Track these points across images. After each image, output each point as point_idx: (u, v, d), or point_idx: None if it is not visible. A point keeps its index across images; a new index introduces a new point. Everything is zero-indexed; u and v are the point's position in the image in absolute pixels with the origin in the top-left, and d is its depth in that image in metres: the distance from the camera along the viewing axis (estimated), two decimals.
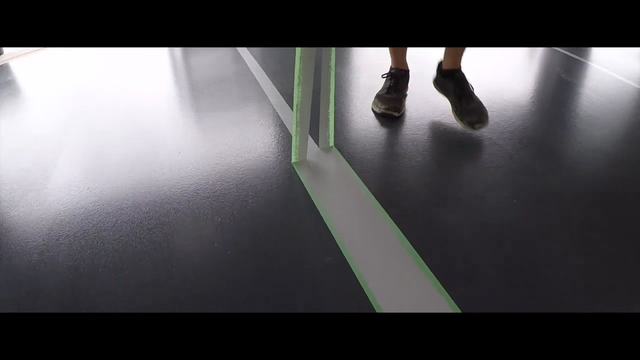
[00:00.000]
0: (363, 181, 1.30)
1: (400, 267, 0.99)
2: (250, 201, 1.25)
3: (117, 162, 1.51)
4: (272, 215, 1.19)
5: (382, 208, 1.19)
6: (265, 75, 2.19)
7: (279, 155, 1.47)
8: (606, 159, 1.37)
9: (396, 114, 1.67)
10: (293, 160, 1.42)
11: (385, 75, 1.80)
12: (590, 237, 1.06)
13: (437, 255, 1.02)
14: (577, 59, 2.20)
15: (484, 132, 1.53)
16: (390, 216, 1.15)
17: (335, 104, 1.50)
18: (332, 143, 1.51)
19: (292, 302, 0.92)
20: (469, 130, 1.53)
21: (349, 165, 1.38)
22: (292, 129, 1.38)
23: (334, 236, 1.10)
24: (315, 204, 1.22)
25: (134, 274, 1.03)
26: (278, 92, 1.98)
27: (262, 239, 1.10)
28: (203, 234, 1.14)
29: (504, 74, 2.11)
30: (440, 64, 1.71)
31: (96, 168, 1.48)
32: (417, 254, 1.02)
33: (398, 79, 1.75)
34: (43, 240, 1.16)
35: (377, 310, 0.89)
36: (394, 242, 1.07)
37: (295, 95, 1.30)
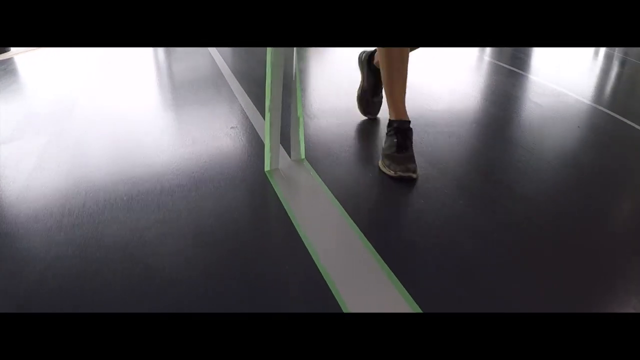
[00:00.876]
0: (333, 193, 1.38)
1: (367, 271, 1.07)
2: (224, 206, 1.30)
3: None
4: (247, 219, 1.24)
5: (354, 223, 1.24)
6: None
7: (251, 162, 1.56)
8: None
9: (415, 176, 1.49)
10: (266, 168, 1.48)
11: (389, 131, 1.59)
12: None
13: (400, 260, 1.10)
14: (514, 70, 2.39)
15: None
16: (361, 231, 1.22)
17: (303, 118, 1.59)
18: (303, 156, 1.57)
19: (261, 302, 0.98)
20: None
21: (319, 178, 1.46)
22: (266, 141, 1.45)
23: (306, 245, 1.15)
24: (285, 207, 1.29)
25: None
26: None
27: (236, 243, 1.16)
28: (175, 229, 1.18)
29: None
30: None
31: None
32: (382, 260, 1.10)
33: (404, 133, 1.56)
34: None
35: (344, 310, 0.95)
36: (365, 253, 1.14)
37: (267, 107, 1.38)
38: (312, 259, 1.09)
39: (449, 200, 1.37)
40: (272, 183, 1.40)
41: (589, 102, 2.26)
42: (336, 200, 1.34)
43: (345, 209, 1.29)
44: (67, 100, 2.15)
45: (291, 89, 1.47)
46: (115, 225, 1.20)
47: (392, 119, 1.58)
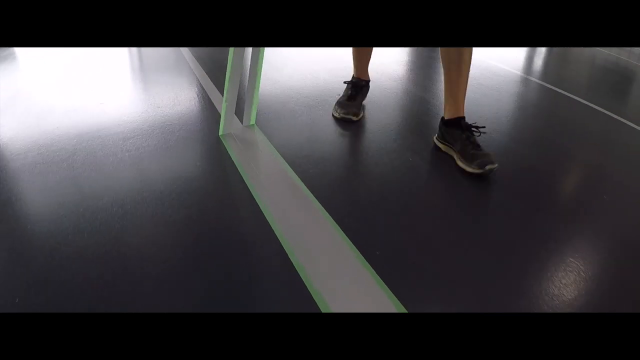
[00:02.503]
0: (280, 153, 1.50)
1: (315, 223, 1.15)
2: (180, 168, 1.39)
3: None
4: (201, 174, 1.35)
5: (296, 176, 1.35)
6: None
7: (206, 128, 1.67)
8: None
9: (354, 118, 1.77)
10: (220, 132, 1.61)
11: (347, 82, 1.91)
12: None
13: (344, 210, 1.20)
14: None
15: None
16: (305, 185, 1.31)
17: (259, 89, 1.67)
18: (253, 121, 1.70)
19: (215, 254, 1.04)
20: (476, 172, 1.41)
21: (267, 139, 1.59)
22: (222, 108, 1.58)
23: (255, 197, 1.24)
24: (238, 167, 1.39)
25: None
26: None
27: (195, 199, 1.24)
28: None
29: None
30: (442, 117, 1.60)
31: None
32: (328, 214, 1.19)
33: (359, 88, 1.88)
34: None
35: (294, 263, 1.00)
36: (311, 205, 1.23)
37: (227, 77, 1.50)
38: (256, 202, 1.22)
39: (387, 153, 1.52)
40: (225, 145, 1.53)
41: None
42: (280, 156, 1.47)
43: (289, 164, 1.42)
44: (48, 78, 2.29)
45: (257, 59, 1.56)
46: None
47: (354, 76, 1.89)
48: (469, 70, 1.53)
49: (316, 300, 0.91)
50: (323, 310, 0.88)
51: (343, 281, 0.96)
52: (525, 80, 2.58)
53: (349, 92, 1.87)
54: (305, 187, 1.30)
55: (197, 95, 2.03)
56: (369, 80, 1.92)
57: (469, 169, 1.41)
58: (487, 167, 1.37)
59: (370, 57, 1.90)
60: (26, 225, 1.10)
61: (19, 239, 1.05)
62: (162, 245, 1.04)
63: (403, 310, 0.89)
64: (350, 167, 1.46)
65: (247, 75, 1.63)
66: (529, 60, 3.12)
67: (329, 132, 1.70)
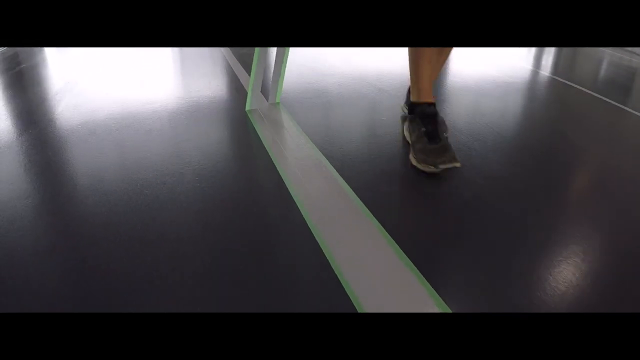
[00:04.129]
0: (304, 131, 1.52)
1: (341, 203, 1.08)
2: (210, 140, 1.45)
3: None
4: (230, 147, 1.41)
5: (320, 153, 1.33)
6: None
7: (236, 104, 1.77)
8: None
9: (458, 165, 1.21)
10: (247, 108, 1.67)
11: (411, 117, 1.35)
12: None
13: (368, 190, 1.15)
14: None
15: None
16: (330, 162, 1.28)
17: (285, 69, 1.72)
18: (279, 100, 1.76)
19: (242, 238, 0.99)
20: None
21: (291, 117, 1.63)
22: (249, 84, 1.66)
23: (280, 174, 1.21)
24: (263, 142, 1.42)
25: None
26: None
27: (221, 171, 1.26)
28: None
29: None
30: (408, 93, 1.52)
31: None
32: (354, 193, 1.13)
33: (431, 118, 1.30)
34: None
35: (321, 243, 0.94)
36: (337, 183, 1.18)
37: (255, 57, 1.60)
38: (280, 177, 1.21)
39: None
40: (251, 120, 1.59)
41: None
42: (304, 134, 1.48)
43: (312, 141, 1.43)
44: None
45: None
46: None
47: (416, 100, 1.36)
48: (446, 58, 1.51)
49: (348, 293, 0.82)
50: (355, 304, 0.81)
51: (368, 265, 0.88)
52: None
53: (423, 127, 1.29)
54: (328, 163, 1.29)
55: (228, 78, 2.18)
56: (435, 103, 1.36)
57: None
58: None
59: (435, 66, 1.41)
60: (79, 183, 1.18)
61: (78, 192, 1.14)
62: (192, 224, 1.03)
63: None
64: (376, 150, 1.40)
65: (275, 54, 1.70)
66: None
67: (354, 114, 1.70)
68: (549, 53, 3.83)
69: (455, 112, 1.80)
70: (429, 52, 1.35)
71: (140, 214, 1.04)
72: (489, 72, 2.54)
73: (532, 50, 3.65)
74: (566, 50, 4.02)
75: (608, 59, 3.84)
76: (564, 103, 2.19)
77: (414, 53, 1.37)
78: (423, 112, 1.32)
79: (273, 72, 1.71)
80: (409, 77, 1.41)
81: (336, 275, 0.85)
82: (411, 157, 1.30)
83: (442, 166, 1.22)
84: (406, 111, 1.51)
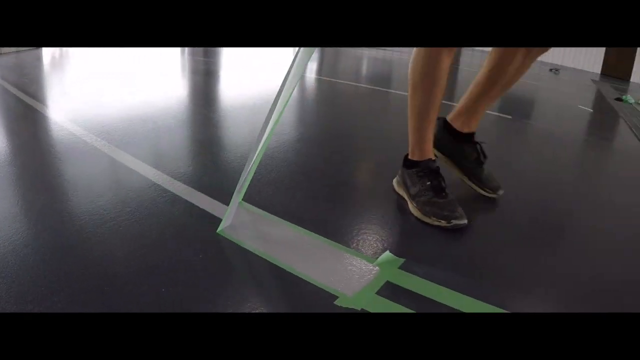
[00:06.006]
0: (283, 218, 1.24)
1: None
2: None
3: None
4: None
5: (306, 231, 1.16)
6: None
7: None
8: None
9: (466, 222, 1.23)
10: (219, 229, 1.15)
11: (416, 174, 1.33)
12: None
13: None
14: None
15: None
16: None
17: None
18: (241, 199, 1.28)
19: None
20: (490, 196, 1.41)
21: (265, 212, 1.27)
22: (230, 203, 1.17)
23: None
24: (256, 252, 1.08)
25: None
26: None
27: None
28: None
29: None
30: (446, 122, 1.44)
31: None
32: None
33: (436, 174, 1.32)
34: None
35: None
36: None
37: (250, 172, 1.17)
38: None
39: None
40: (231, 239, 1.12)
41: None
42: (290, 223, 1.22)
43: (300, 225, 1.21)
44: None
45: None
46: None
47: (417, 159, 1.35)
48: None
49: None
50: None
51: None
52: None
53: (427, 182, 1.30)
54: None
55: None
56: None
57: (481, 191, 1.42)
58: (500, 192, 1.40)
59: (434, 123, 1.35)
60: None
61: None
62: None
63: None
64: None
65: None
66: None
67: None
68: (313, 59, 4.59)
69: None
70: (438, 103, 1.30)
71: None
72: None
73: None
74: (328, 51, 5.07)
75: (367, 55, 5.26)
76: (339, 96, 3.06)
77: (424, 106, 1.29)
78: (428, 168, 1.33)
79: (244, 171, 1.21)
80: (413, 130, 1.36)
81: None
82: (413, 208, 1.32)
83: (455, 222, 1.23)
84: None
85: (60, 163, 1.54)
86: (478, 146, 1.40)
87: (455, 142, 1.42)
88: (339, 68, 4.71)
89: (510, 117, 2.90)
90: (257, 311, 0.87)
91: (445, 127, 1.43)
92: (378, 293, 0.95)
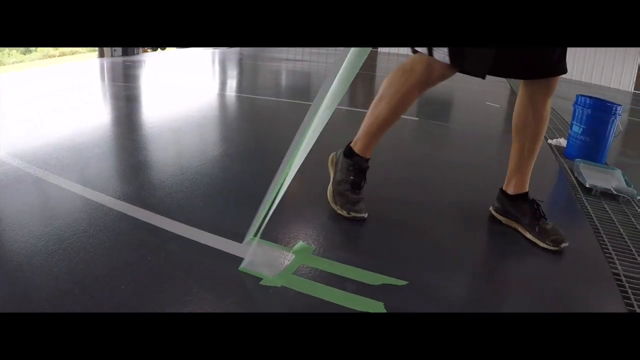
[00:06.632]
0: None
1: None
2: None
3: None
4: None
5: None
6: None
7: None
8: None
9: (365, 216, 1.50)
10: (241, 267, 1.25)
11: (347, 166, 1.53)
12: None
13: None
14: None
15: None
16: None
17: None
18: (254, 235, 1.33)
19: None
20: (552, 249, 1.45)
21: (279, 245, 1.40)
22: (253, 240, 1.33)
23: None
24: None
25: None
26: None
27: None
28: None
29: None
30: (501, 190, 1.59)
31: None
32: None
33: (363, 172, 1.54)
34: None
35: None
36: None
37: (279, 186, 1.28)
38: None
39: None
40: (253, 275, 1.23)
41: None
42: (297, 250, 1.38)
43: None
44: None
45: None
46: None
47: (359, 154, 1.53)
48: (540, 144, 1.51)
49: None
50: None
51: None
52: None
53: (351, 177, 1.50)
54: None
55: None
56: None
57: (542, 244, 1.45)
58: (562, 245, 1.42)
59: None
60: None
61: None
62: None
63: None
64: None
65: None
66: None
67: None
68: (232, 78, 5.36)
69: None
70: (396, 121, 1.47)
71: None
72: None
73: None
74: (246, 71, 5.58)
75: (285, 68, 5.79)
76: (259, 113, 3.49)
77: (383, 119, 1.45)
78: (359, 165, 1.53)
79: (263, 204, 1.29)
80: (366, 131, 1.50)
81: None
82: (330, 190, 1.55)
83: (354, 214, 1.50)
84: None
85: (9, 195, 1.69)
86: (535, 204, 1.52)
87: (512, 203, 1.55)
88: (259, 83, 5.01)
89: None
90: (199, 302, 1.11)
91: (503, 194, 1.58)
92: (294, 273, 1.25)
